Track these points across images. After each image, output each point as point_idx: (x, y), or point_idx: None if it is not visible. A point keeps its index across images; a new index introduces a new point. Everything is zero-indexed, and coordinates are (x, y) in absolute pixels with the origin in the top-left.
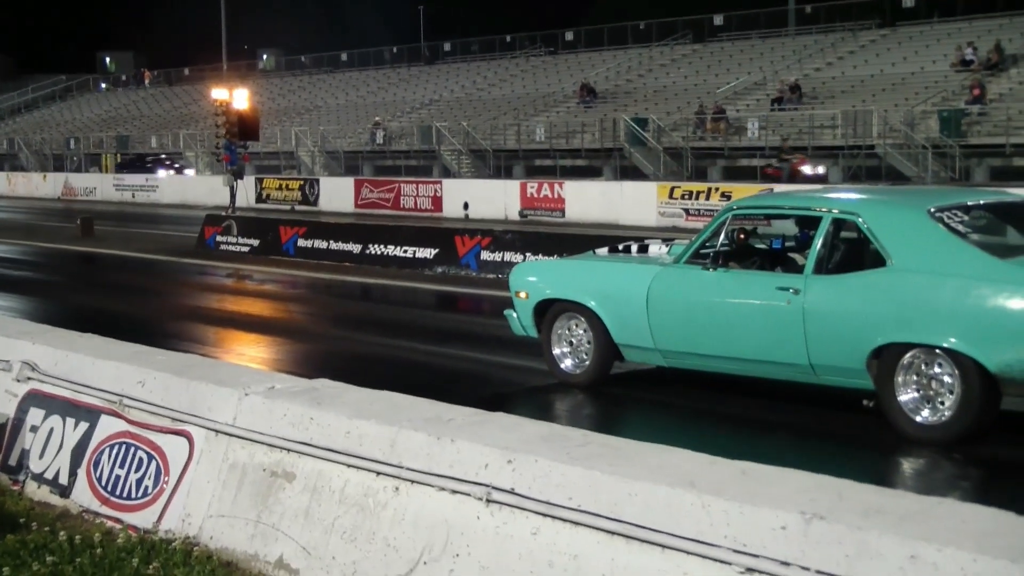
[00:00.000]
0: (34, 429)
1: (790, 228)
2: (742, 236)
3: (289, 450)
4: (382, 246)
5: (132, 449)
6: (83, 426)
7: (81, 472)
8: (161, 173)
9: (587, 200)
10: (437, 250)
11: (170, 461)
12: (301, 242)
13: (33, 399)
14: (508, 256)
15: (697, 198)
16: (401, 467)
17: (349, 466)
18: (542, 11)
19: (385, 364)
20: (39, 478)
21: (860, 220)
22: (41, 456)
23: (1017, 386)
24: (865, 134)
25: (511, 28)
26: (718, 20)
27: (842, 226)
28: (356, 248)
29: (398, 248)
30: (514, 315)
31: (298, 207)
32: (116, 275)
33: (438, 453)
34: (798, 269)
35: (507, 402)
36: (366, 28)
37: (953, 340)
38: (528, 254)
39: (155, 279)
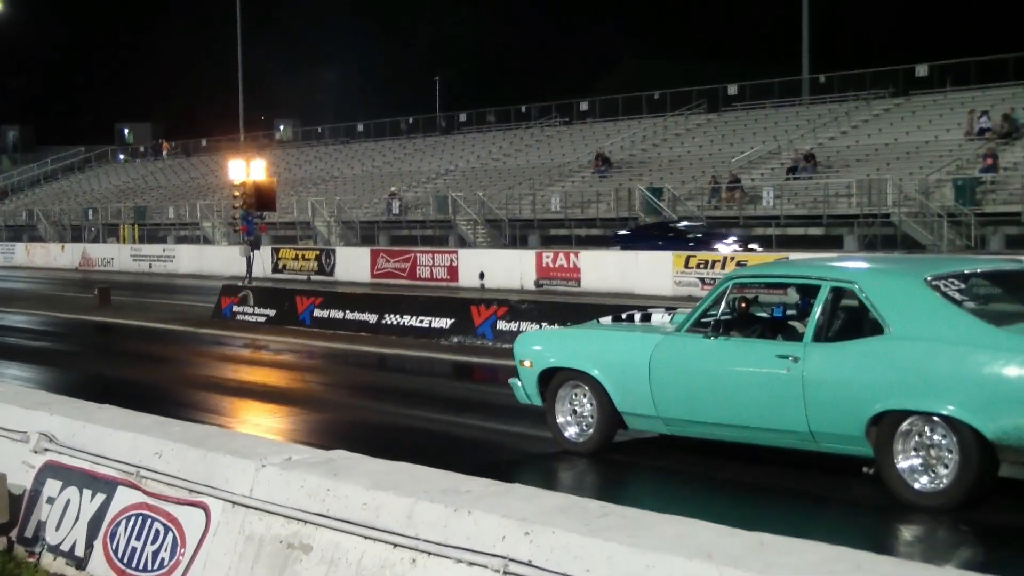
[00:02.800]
0: (51, 500)
1: (792, 297)
2: (743, 304)
3: (306, 522)
4: (398, 316)
5: (149, 521)
6: (100, 497)
7: (97, 544)
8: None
9: (603, 269)
10: (453, 320)
11: (187, 533)
12: (317, 312)
13: (50, 470)
14: (524, 326)
15: (713, 267)
16: (418, 539)
17: (366, 538)
18: (557, 81)
19: (402, 434)
20: (55, 550)
21: (858, 288)
22: (58, 528)
23: (1014, 452)
24: (880, 203)
25: (526, 98)
26: (732, 90)
27: (841, 294)
28: (372, 318)
29: (414, 318)
30: (519, 384)
31: (314, 277)
32: (133, 345)
33: (455, 525)
34: (798, 337)
35: (524, 472)
36: (382, 99)
37: (951, 408)
38: (544, 324)
39: (172, 349)
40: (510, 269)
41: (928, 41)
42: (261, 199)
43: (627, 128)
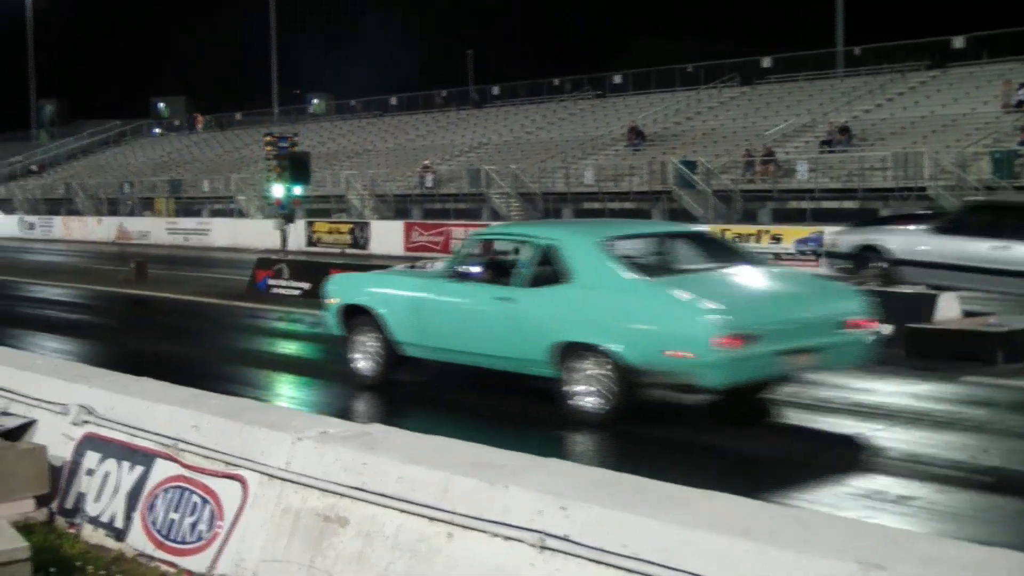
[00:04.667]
0: (90, 472)
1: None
2: (481, 255)
3: (342, 495)
4: None
5: (186, 493)
6: (138, 470)
7: (136, 516)
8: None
9: None
10: None
11: (224, 505)
12: None
13: (89, 443)
14: None
15: (747, 241)
16: (454, 513)
17: (402, 511)
18: (589, 54)
19: (435, 408)
20: (95, 521)
21: (557, 247)
22: (97, 499)
23: (653, 375)
24: (916, 176)
25: (559, 72)
26: (766, 62)
27: (546, 251)
28: None
29: None
30: (326, 316)
31: (348, 250)
32: (169, 318)
33: (491, 499)
34: (516, 283)
35: (559, 446)
36: (415, 73)
37: (607, 341)
38: None
39: (207, 322)
40: None
41: (964, 12)
42: (295, 172)
43: (660, 101)
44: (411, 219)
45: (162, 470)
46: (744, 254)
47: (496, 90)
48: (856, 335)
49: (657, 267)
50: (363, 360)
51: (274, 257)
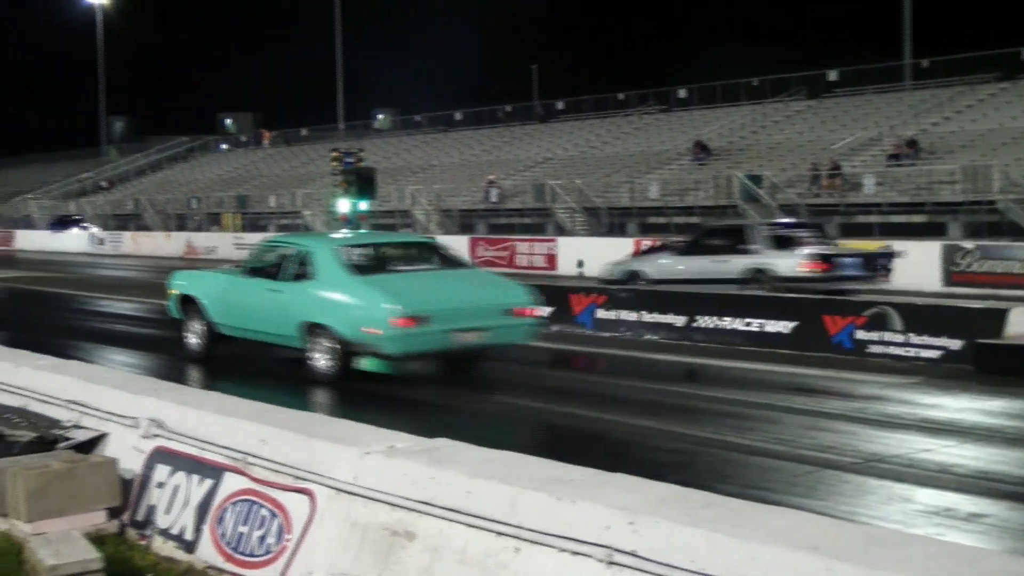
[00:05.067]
0: (160, 485)
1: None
2: (266, 257)
3: (410, 509)
4: None
5: (255, 506)
6: (208, 483)
7: (206, 528)
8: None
9: None
10: (552, 308)
11: (292, 519)
12: None
13: (159, 456)
14: (624, 314)
15: None
16: (521, 527)
17: (469, 526)
18: (654, 69)
19: (500, 422)
20: (165, 533)
21: (309, 252)
22: (167, 512)
23: (358, 346)
24: (985, 189)
25: (624, 86)
26: (832, 76)
27: (302, 255)
28: None
29: None
30: (169, 303)
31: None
32: None
33: (559, 513)
34: (283, 279)
35: (624, 461)
36: (479, 88)
37: (331, 322)
38: (644, 312)
39: None
40: (608, 257)
41: None
42: (362, 187)
43: (725, 115)
44: (476, 234)
45: (231, 483)
46: (451, 259)
47: (561, 105)
48: (520, 320)
49: (371, 268)
50: (193, 338)
51: None
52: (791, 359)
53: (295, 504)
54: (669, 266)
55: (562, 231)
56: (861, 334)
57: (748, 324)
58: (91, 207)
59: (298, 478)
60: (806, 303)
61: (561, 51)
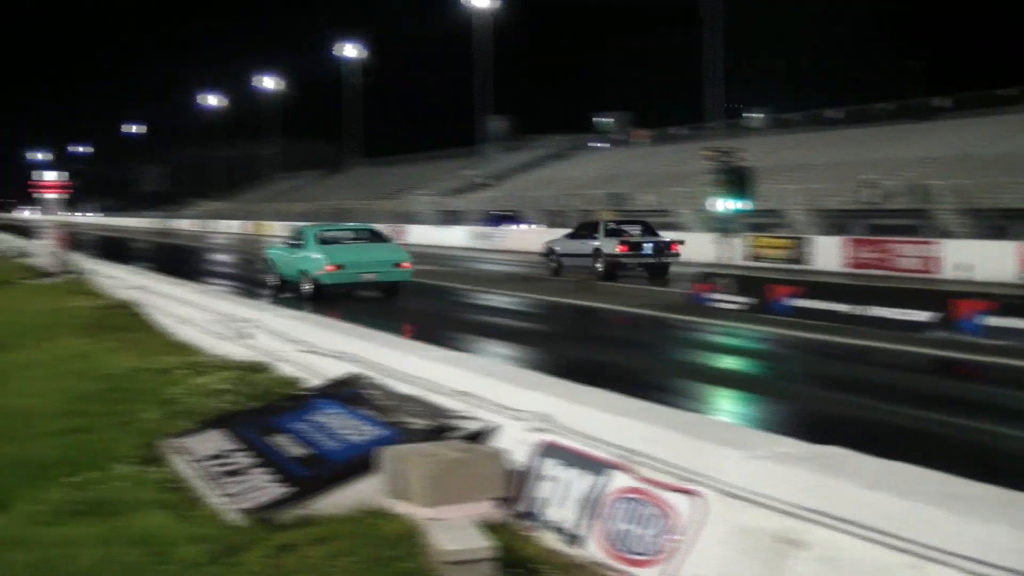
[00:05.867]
0: (546, 478)
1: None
2: (297, 237)
3: (800, 517)
4: (874, 307)
5: (641, 505)
6: (593, 479)
7: (591, 524)
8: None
9: None
10: (933, 313)
11: (679, 520)
12: (790, 301)
13: (546, 449)
14: (1018, 322)
15: None
16: (920, 543)
17: (864, 539)
18: None
19: (881, 430)
20: (550, 526)
21: (303, 233)
22: (552, 505)
23: (318, 281)
24: None
25: (1016, 80)
26: None
27: (302, 236)
28: (847, 308)
29: (891, 309)
30: (266, 263)
31: (787, 266)
32: (608, 328)
33: (959, 532)
34: (303, 249)
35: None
36: (853, 85)
37: (307, 268)
38: None
39: (644, 333)
40: (994, 261)
41: None
42: (738, 186)
43: None
44: (850, 235)
45: (617, 480)
46: (379, 237)
47: (943, 102)
48: (401, 270)
49: (329, 242)
50: (272, 280)
51: (712, 271)
52: None
53: (682, 505)
54: (565, 244)
55: (943, 233)
56: None
57: None
58: (472, 203)
59: (685, 479)
60: None
61: (949, 45)
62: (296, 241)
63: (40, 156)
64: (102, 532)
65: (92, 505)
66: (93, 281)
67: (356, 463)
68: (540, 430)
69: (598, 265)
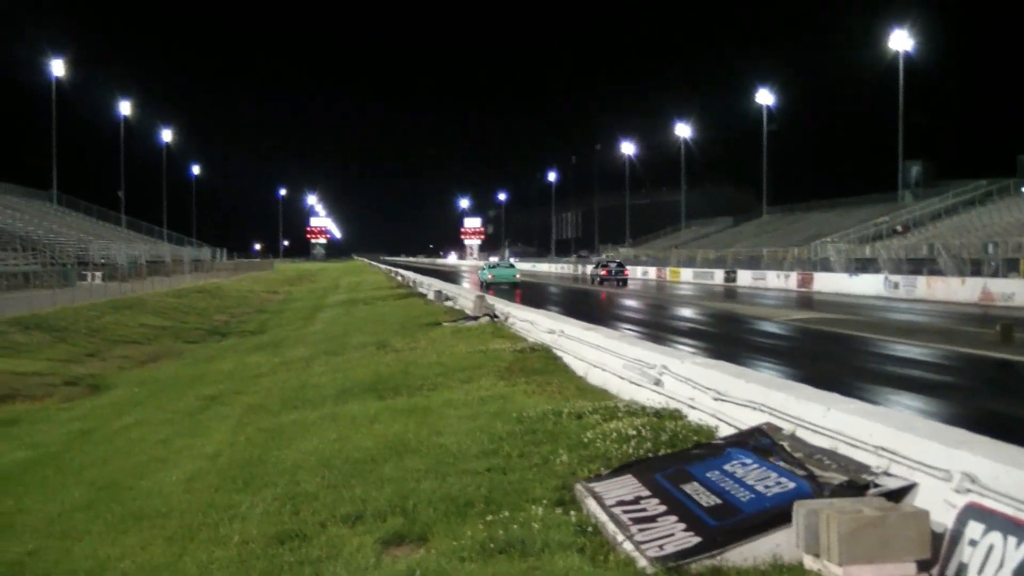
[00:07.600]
0: (972, 543)
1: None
2: (496, 263)
3: None
4: None
5: None
6: None
7: None
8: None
9: None
10: None
11: None
12: None
13: (972, 512)
14: None
15: None
16: None
17: None
18: None
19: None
20: None
21: (498, 262)
22: (979, 572)
23: (490, 284)
24: None
25: None
26: None
27: (492, 263)
28: None
29: None
30: (484, 276)
31: None
32: None
33: None
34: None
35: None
36: None
37: (499, 275)
38: None
39: None
40: None
41: None
42: None
43: None
44: None
45: None
46: (511, 265)
47: None
48: (515, 279)
49: (494, 267)
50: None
51: None
52: None
53: None
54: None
55: None
56: None
57: None
58: (886, 251)
59: None
60: None
61: None
62: (489, 265)
63: (464, 203)
64: (521, 572)
65: (509, 544)
66: (510, 325)
67: (771, 515)
68: (967, 491)
69: None
